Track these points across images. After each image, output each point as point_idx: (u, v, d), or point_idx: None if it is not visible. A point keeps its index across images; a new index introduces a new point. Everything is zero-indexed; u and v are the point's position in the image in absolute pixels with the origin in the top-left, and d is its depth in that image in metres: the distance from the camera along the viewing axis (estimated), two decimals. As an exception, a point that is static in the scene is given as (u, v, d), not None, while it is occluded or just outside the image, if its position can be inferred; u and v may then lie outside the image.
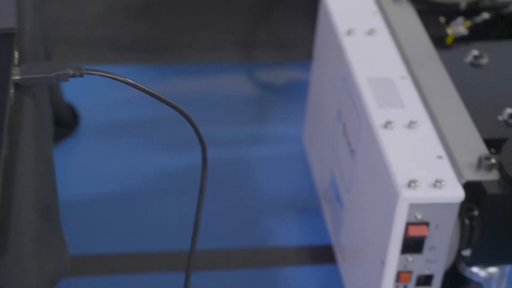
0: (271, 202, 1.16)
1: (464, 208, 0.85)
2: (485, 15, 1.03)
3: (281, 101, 1.33)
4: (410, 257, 0.84)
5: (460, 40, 1.02)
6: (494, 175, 0.83)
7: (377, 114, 0.89)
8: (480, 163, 0.83)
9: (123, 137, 1.24)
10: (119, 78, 0.67)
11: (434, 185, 0.81)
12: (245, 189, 1.18)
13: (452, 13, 1.03)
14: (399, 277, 0.85)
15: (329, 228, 1.06)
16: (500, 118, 0.91)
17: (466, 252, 0.87)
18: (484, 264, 0.87)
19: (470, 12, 1.03)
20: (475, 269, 0.87)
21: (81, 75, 0.67)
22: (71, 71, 0.67)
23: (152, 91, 0.68)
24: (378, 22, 1.00)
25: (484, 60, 0.98)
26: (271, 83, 1.38)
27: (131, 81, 0.67)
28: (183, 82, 1.36)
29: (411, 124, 0.88)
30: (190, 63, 1.39)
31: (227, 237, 1.11)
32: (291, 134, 1.26)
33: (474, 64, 0.98)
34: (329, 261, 1.06)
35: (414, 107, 0.90)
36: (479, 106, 0.92)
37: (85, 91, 1.27)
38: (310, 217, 1.14)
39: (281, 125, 1.29)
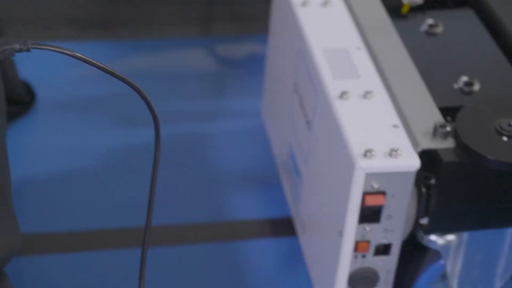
0: (231, 176, 1.16)
1: (421, 177, 0.85)
2: (440, -16, 1.03)
3: (240, 75, 1.33)
4: (367, 227, 0.84)
5: (416, 9, 1.01)
6: (449, 143, 0.83)
7: (332, 85, 0.89)
8: (436, 131, 0.84)
9: (80, 114, 1.23)
10: (67, 52, 0.66)
11: (390, 154, 0.81)
12: (205, 164, 1.17)
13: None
14: (357, 247, 0.85)
15: (289, 200, 1.07)
16: (455, 86, 0.91)
17: (424, 221, 0.87)
18: (442, 232, 0.87)
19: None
20: (433, 237, 0.87)
21: (28, 50, 0.66)
22: (17, 46, 0.66)
23: (102, 65, 0.67)
24: (333, -7, 1.00)
25: (439, 29, 0.98)
26: (230, 57, 1.37)
27: (80, 55, 0.66)
28: (142, 58, 1.35)
29: (366, 94, 0.88)
30: (149, 38, 1.38)
31: (187, 211, 1.11)
32: (250, 108, 1.25)
33: (429, 33, 0.98)
34: (290, 233, 1.06)
35: (370, 77, 0.90)
36: (434, 75, 0.92)
37: (41, 69, 1.26)
38: (270, 190, 1.14)
39: (240, 99, 1.28)
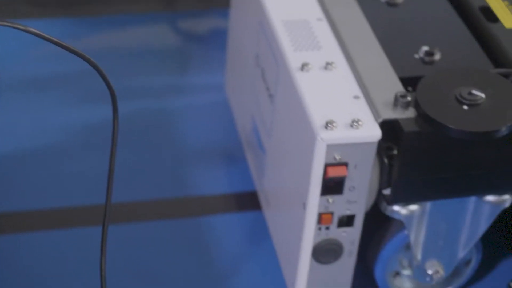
0: (195, 151, 1.15)
1: (383, 148, 0.85)
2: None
3: (204, 50, 1.32)
4: (330, 198, 0.84)
5: (376, -20, 1.01)
6: (410, 113, 0.83)
7: (293, 57, 0.88)
8: (396, 102, 0.83)
9: (41, 92, 1.22)
10: (20, 27, 0.64)
11: (351, 125, 0.81)
12: (169, 139, 1.17)
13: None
14: (320, 218, 0.85)
15: (253, 174, 1.06)
16: (416, 56, 0.91)
17: (387, 191, 0.87)
18: (405, 202, 0.87)
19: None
20: (396, 208, 0.87)
21: None
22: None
23: (56, 40, 0.66)
24: (293, -35, 0.99)
25: (400, -1, 0.98)
26: (193, 32, 1.36)
27: (34, 30, 0.65)
28: (104, 35, 1.33)
29: (327, 66, 0.87)
30: (110, 14, 1.36)
31: (152, 187, 1.10)
32: (214, 83, 1.25)
33: (390, 3, 0.98)
34: (255, 207, 1.06)
35: (330, 49, 0.90)
36: (395, 45, 0.92)
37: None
38: (235, 164, 1.13)
39: (204, 74, 1.27)
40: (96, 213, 1.05)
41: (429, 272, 0.94)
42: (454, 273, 0.97)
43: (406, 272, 0.96)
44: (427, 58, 0.90)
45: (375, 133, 0.81)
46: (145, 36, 1.34)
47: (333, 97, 0.84)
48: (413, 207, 0.88)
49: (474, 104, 0.82)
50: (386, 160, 0.85)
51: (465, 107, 0.82)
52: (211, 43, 1.32)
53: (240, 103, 1.11)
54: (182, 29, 1.36)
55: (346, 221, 0.87)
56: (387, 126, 0.83)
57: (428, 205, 0.89)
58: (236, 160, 1.14)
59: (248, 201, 1.08)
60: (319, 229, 0.86)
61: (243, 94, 1.08)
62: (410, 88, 0.87)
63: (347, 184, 0.84)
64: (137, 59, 1.29)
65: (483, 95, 0.83)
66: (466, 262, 0.97)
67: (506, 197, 0.89)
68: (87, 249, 1.00)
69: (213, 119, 1.20)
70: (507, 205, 0.89)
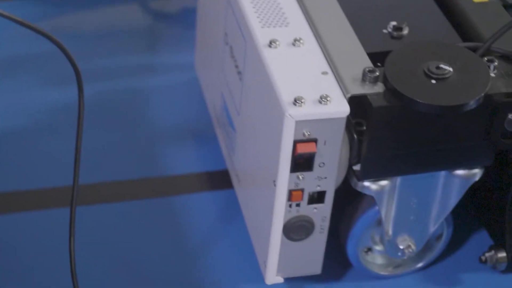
0: (166, 131, 1.15)
1: (352, 123, 0.85)
2: None
3: (173, 28, 1.31)
4: (300, 175, 0.84)
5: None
6: (379, 88, 0.83)
7: (261, 34, 0.88)
8: (365, 77, 0.83)
9: (8, 74, 1.21)
10: (-19, 6, 0.64)
11: (320, 101, 0.81)
12: (139, 119, 1.16)
13: None
14: (291, 196, 0.85)
15: (224, 153, 1.06)
16: (384, 31, 0.91)
17: (357, 167, 0.87)
18: (375, 177, 0.87)
19: None
20: (366, 183, 0.87)
21: None
22: None
23: (19, 19, 0.66)
24: None
25: (368, -26, 0.98)
26: (163, 11, 1.35)
27: (-4, 9, 0.64)
28: (72, 16, 1.32)
29: (295, 42, 0.87)
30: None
31: (123, 167, 1.09)
32: (184, 62, 1.24)
33: (358, -21, 0.97)
34: (227, 186, 1.06)
35: (298, 25, 0.89)
36: (363, 21, 0.92)
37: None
38: (206, 143, 1.13)
39: (174, 53, 1.27)
40: (67, 194, 1.04)
41: (401, 247, 0.94)
42: (426, 248, 0.98)
43: (378, 247, 0.96)
44: (395, 33, 0.90)
45: (343, 109, 0.81)
46: (114, 16, 1.33)
47: (301, 74, 0.84)
48: (383, 182, 0.88)
49: (442, 78, 0.82)
50: (355, 136, 0.85)
51: (433, 81, 0.82)
52: (181, 22, 1.32)
53: (210, 82, 1.10)
54: (152, 8, 1.35)
55: (317, 197, 0.86)
56: (356, 102, 0.82)
57: (398, 180, 0.89)
58: (208, 139, 1.13)
59: (220, 180, 1.08)
60: (290, 206, 0.86)
61: (212, 72, 1.07)
62: (379, 64, 0.87)
63: (317, 161, 0.83)
64: (106, 39, 1.28)
65: (451, 69, 0.82)
66: (438, 236, 0.97)
67: (476, 170, 0.89)
68: (57, 230, 0.99)
69: (184, 98, 1.19)
70: (476, 178, 0.89)
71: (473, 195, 0.99)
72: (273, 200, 0.86)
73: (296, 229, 0.88)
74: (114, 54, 1.26)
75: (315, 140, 0.82)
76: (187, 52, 1.24)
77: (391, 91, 0.82)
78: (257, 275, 0.94)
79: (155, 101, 1.19)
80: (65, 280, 0.87)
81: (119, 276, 0.97)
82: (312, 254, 0.91)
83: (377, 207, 0.90)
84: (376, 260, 0.98)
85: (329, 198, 0.87)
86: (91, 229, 1.01)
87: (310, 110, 0.80)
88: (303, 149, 0.82)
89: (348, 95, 0.82)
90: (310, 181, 0.85)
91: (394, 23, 0.91)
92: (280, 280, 0.92)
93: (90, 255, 0.98)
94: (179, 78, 1.22)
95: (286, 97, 0.81)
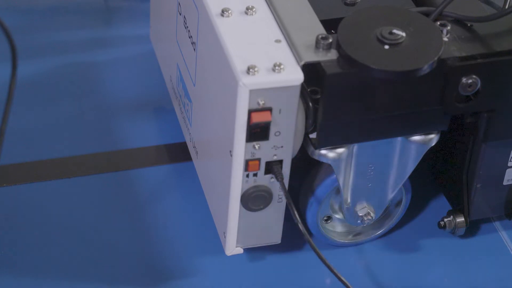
0: (123, 104, 1.14)
1: (307, 91, 0.84)
2: None
3: (128, 1, 1.29)
4: (256, 145, 0.83)
5: None
6: (332, 55, 0.82)
7: (213, 3, 0.87)
8: (318, 44, 0.83)
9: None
10: None
11: (273, 70, 0.80)
12: (96, 93, 1.15)
13: None
14: (248, 165, 0.85)
15: (182, 125, 1.05)
16: (338, -2, 0.90)
17: (313, 135, 0.87)
18: (331, 145, 0.87)
19: None
20: (323, 151, 0.87)
21: None
22: None
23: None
24: None
25: None
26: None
27: None
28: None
29: (247, 11, 0.86)
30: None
31: (81, 142, 1.08)
32: (140, 34, 1.23)
33: None
34: (186, 158, 1.05)
35: (251, -7, 0.88)
36: (316, -12, 0.91)
37: None
38: (165, 116, 1.12)
39: (130, 26, 1.25)
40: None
41: (360, 214, 0.94)
42: (385, 215, 0.98)
43: (338, 216, 0.96)
44: (348, 0, 0.90)
45: (297, 77, 0.80)
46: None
47: (254, 42, 0.83)
48: (340, 150, 0.87)
49: (395, 44, 0.81)
50: (311, 104, 0.84)
51: (387, 46, 0.81)
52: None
53: (166, 53, 1.09)
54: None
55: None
56: (310, 69, 0.82)
57: (355, 147, 0.88)
58: (166, 112, 1.12)
59: (179, 153, 1.07)
60: (247, 176, 0.86)
61: (168, 44, 1.06)
62: (333, 31, 0.86)
63: (273, 130, 0.83)
64: (61, 13, 1.26)
65: (403, 34, 0.82)
66: (396, 203, 0.97)
67: (432, 136, 0.89)
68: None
69: (140, 71, 1.18)
70: (433, 143, 0.89)
71: (431, 161, 0.99)
72: (230, 170, 0.85)
73: (254, 199, 0.87)
74: (69, 28, 1.24)
75: (270, 109, 0.81)
76: (142, 24, 1.23)
77: (344, 57, 0.81)
78: (218, 246, 0.94)
79: (111, 75, 1.18)
80: None
81: (78, 251, 0.96)
82: (271, 223, 0.90)
83: (335, 175, 0.90)
84: (336, 228, 0.98)
85: (287, 167, 0.86)
86: (49, 204, 1.00)
87: (263, 79, 0.80)
88: (258, 118, 0.81)
89: (302, 63, 0.81)
90: (266, 151, 0.84)
91: (347, -11, 0.90)
92: (240, 251, 0.92)
93: (48, 231, 0.97)
94: (135, 51, 1.21)
95: (239, 66, 0.80)
